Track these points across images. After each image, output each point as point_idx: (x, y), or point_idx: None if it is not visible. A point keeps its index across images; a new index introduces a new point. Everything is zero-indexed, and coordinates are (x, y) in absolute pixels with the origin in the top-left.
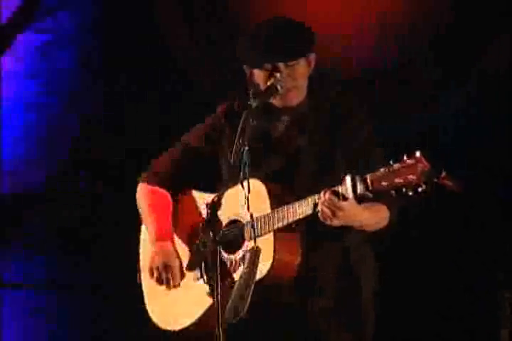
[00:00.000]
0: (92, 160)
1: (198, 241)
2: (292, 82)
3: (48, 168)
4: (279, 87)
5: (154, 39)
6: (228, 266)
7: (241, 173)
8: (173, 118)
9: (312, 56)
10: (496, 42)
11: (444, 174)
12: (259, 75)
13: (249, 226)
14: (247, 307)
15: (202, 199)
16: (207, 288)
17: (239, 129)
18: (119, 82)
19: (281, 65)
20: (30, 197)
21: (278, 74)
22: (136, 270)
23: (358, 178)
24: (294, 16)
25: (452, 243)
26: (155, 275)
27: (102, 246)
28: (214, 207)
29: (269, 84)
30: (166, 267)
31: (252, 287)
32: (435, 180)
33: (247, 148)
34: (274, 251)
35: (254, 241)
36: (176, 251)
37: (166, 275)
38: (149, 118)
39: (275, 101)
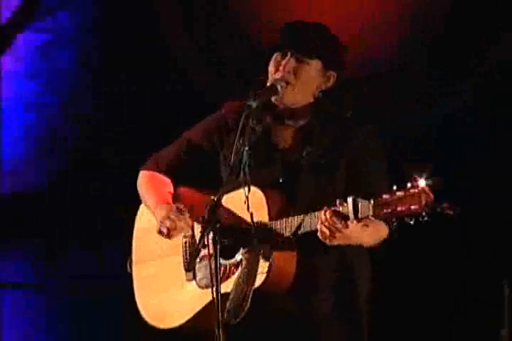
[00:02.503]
0: (92, 160)
1: (196, 241)
2: (290, 77)
3: (48, 167)
4: (278, 87)
5: (154, 39)
6: (223, 271)
7: (241, 173)
8: (173, 118)
9: (332, 73)
10: (496, 42)
11: (445, 204)
12: (270, 70)
13: (253, 227)
14: (247, 308)
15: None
16: (198, 289)
17: (238, 130)
18: (119, 82)
19: (292, 59)
20: (30, 197)
21: (280, 74)
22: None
23: (360, 202)
24: (293, 16)
25: (452, 242)
26: (163, 230)
27: (101, 246)
28: (213, 207)
29: (269, 84)
30: (167, 217)
31: (252, 287)
32: (438, 210)
33: (247, 148)
34: (270, 262)
35: (255, 242)
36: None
37: (169, 224)
38: (149, 118)
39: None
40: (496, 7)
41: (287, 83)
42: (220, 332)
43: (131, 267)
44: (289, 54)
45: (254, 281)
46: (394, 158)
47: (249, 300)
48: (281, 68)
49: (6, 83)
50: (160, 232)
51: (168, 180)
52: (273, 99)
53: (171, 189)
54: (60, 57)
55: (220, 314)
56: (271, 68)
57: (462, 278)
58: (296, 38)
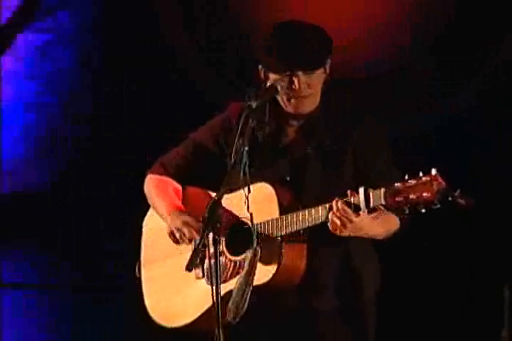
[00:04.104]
0: (92, 160)
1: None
2: (308, 90)
3: (48, 167)
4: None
5: (154, 39)
6: (232, 267)
7: (241, 173)
8: (173, 118)
9: (328, 63)
10: (500, 42)
11: (458, 192)
12: (273, 77)
13: (253, 228)
14: (246, 307)
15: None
16: (208, 286)
17: (239, 130)
18: (119, 82)
19: (300, 73)
20: (30, 197)
21: (297, 93)
22: (135, 268)
23: (371, 191)
24: (293, 16)
25: (454, 243)
26: (177, 235)
27: (102, 246)
28: (213, 206)
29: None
30: (187, 224)
31: (251, 287)
32: (449, 199)
33: (246, 148)
34: (281, 255)
35: (256, 242)
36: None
37: (187, 232)
38: (149, 118)
39: (289, 109)
40: (499, 7)
41: (309, 95)
42: (220, 332)
43: (139, 271)
44: (299, 73)
45: (252, 282)
46: (396, 159)
47: (248, 300)
48: (295, 87)
49: (6, 83)
50: (173, 236)
51: (176, 183)
52: (289, 109)
53: (180, 192)
54: (60, 57)
55: (219, 314)
56: (276, 78)
57: (464, 280)
58: (301, 56)
